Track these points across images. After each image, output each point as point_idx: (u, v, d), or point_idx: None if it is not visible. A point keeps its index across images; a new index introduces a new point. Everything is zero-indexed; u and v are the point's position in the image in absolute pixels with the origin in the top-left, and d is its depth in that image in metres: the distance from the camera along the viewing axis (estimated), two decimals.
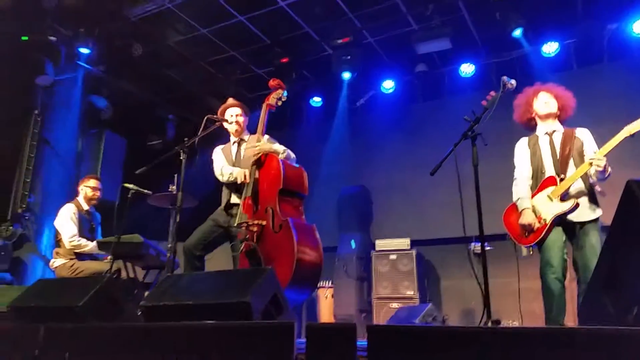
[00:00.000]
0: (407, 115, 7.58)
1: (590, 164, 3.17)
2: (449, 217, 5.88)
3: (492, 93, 3.23)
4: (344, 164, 7.63)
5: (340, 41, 6.58)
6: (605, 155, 3.17)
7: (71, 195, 5.58)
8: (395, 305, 6.03)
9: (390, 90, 7.54)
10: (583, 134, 3.46)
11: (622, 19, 6.05)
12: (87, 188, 4.95)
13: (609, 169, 3.23)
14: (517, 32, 5.96)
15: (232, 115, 3.94)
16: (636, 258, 1.78)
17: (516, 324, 5.23)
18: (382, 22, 6.42)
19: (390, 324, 4.68)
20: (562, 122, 3.57)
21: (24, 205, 5.94)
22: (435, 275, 6.84)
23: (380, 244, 6.54)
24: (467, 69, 6.96)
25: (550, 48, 6.43)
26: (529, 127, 3.67)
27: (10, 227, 5.77)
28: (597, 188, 4.78)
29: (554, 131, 3.50)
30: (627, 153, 5.57)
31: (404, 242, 6.40)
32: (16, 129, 6.26)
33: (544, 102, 3.51)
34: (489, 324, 2.49)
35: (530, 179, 3.51)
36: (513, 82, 3.23)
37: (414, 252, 6.27)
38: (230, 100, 4.04)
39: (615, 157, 3.35)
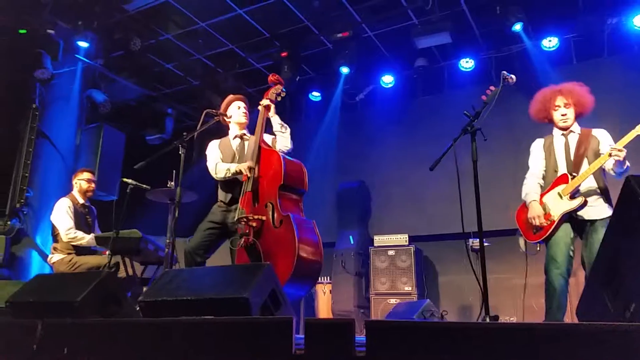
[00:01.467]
0: (406, 110, 7.57)
1: (610, 154, 3.17)
2: (448, 213, 5.88)
3: (492, 88, 3.22)
4: (343, 159, 7.63)
5: (339, 35, 6.55)
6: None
7: (69, 190, 5.57)
8: (393, 301, 6.03)
9: (390, 85, 7.52)
10: (600, 135, 3.46)
11: (623, 12, 6.03)
12: (82, 181, 4.93)
13: (627, 163, 3.22)
14: (517, 27, 5.93)
15: (240, 107, 3.86)
16: (634, 254, 1.78)
17: (514, 319, 5.24)
18: (382, 16, 6.39)
19: (388, 320, 4.68)
20: (578, 119, 3.56)
21: (22, 200, 5.92)
22: (433, 271, 6.85)
23: (379, 239, 6.54)
24: (466, 64, 6.94)
25: (550, 43, 6.42)
26: (539, 121, 3.68)
27: (9, 222, 5.76)
28: None
29: (570, 132, 3.51)
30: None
31: (402, 238, 6.40)
32: (15, 123, 6.23)
33: (561, 114, 3.48)
34: (487, 320, 2.49)
35: (541, 178, 3.54)
36: (513, 77, 3.21)
37: (412, 248, 6.27)
38: (234, 95, 3.98)
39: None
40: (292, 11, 6.28)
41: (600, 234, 3.17)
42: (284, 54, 6.89)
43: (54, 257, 4.64)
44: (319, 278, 6.64)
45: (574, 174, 3.35)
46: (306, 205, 3.66)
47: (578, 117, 3.53)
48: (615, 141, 3.32)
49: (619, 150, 3.13)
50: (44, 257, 5.71)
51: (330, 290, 6.58)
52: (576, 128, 3.52)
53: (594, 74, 6.18)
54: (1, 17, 5.76)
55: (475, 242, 4.80)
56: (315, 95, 8.09)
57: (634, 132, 3.16)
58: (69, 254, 4.61)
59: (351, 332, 1.87)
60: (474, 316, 6.10)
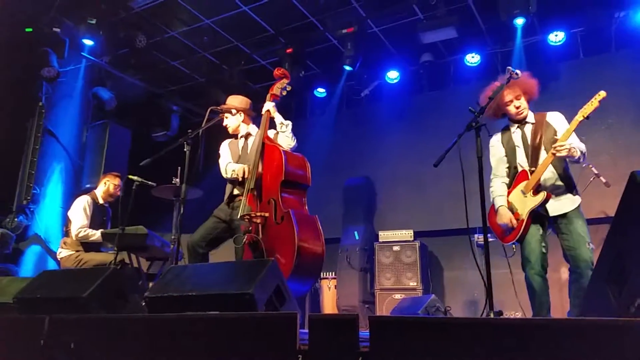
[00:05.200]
0: (411, 106, 7.55)
1: (553, 154, 3.12)
2: (453, 208, 5.87)
3: (497, 83, 3.21)
4: (349, 155, 7.62)
5: (344, 31, 6.53)
6: (567, 141, 3.10)
7: (76, 187, 5.63)
8: (398, 296, 6.04)
9: (395, 81, 7.50)
10: (554, 119, 3.37)
11: (630, 6, 5.97)
12: (112, 184, 5.04)
13: (578, 153, 3.13)
14: (519, 21, 5.85)
15: (225, 117, 3.91)
16: None
17: (519, 315, 5.23)
18: (387, 11, 6.37)
19: (392, 315, 4.69)
20: (529, 105, 3.45)
21: (29, 197, 5.97)
22: (438, 267, 6.84)
23: (384, 235, 6.54)
24: (472, 59, 6.91)
25: (556, 37, 6.37)
26: (498, 118, 3.57)
27: (15, 219, 5.81)
28: (602, 179, 4.76)
29: (525, 123, 3.43)
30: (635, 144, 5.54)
31: (407, 234, 6.39)
32: (22, 121, 6.28)
33: (516, 107, 3.38)
34: (491, 315, 2.48)
35: (505, 177, 3.48)
36: (518, 72, 3.19)
37: (417, 243, 6.26)
38: (228, 100, 3.98)
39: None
40: (296, 7, 6.27)
41: (575, 223, 3.15)
42: (289, 51, 6.88)
43: (62, 253, 4.68)
44: (324, 273, 6.66)
45: (533, 168, 3.29)
46: (311, 200, 3.66)
47: (528, 102, 3.42)
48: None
49: (560, 147, 3.08)
50: (51, 253, 5.76)
51: (335, 286, 6.59)
52: (530, 117, 3.43)
53: (601, 69, 6.14)
54: (8, 15, 5.79)
55: (480, 238, 4.79)
56: (320, 92, 8.08)
57: (573, 123, 3.12)
58: (77, 250, 4.65)
59: (355, 328, 1.88)
60: (479, 311, 6.09)
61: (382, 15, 6.49)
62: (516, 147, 3.41)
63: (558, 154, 3.10)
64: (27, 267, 5.73)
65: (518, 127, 3.44)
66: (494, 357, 1.63)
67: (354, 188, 7.27)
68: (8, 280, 3.48)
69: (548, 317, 3.14)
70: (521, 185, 3.32)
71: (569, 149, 3.08)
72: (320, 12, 6.45)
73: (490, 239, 2.88)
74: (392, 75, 7.47)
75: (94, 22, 6.03)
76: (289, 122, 3.74)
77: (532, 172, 3.28)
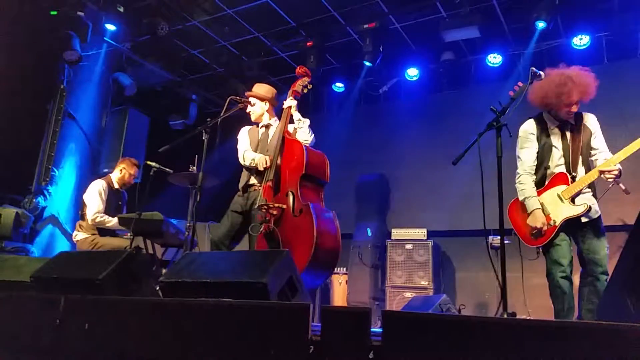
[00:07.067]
0: (430, 104, 7.50)
1: (602, 172, 3.11)
2: (468, 209, 5.84)
3: (520, 84, 3.17)
4: (364, 151, 7.60)
5: (366, 26, 6.50)
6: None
7: (92, 171, 5.68)
8: (408, 294, 6.03)
9: (415, 78, 7.45)
10: (591, 123, 3.31)
11: None
12: (127, 173, 5.05)
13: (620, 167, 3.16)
14: (541, 24, 5.75)
15: (251, 104, 3.93)
16: None
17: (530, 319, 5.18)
18: (409, 8, 6.32)
19: (406, 311, 4.68)
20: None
21: (48, 179, 6.05)
22: (450, 267, 6.81)
23: (397, 233, 6.53)
24: (494, 60, 6.84)
25: (581, 41, 6.29)
26: (538, 107, 3.39)
27: (34, 200, 5.89)
28: (621, 186, 4.70)
29: (566, 121, 3.31)
30: None
31: (420, 232, 6.37)
32: (43, 103, 6.35)
33: (572, 110, 3.23)
34: (505, 316, 2.47)
35: (533, 174, 3.35)
36: (542, 73, 3.16)
37: (430, 242, 6.25)
38: (254, 88, 4.00)
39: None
40: (318, 0, 6.25)
41: (597, 231, 3.16)
42: (309, 44, 6.86)
43: (78, 235, 4.73)
44: (336, 268, 6.66)
45: (574, 173, 3.23)
46: (326, 195, 3.69)
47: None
48: (628, 140, 3.17)
49: (611, 170, 3.08)
50: (67, 235, 5.83)
51: (346, 281, 6.60)
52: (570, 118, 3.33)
53: (626, 74, 6.05)
54: None
55: (495, 240, 4.75)
56: (339, 86, 8.06)
57: (634, 145, 3.05)
58: (92, 234, 4.70)
59: (367, 321, 1.88)
60: (490, 313, 6.06)
61: (405, 12, 6.44)
62: (553, 148, 3.29)
63: (608, 179, 3.11)
64: (38, 247, 5.81)
65: (557, 126, 3.32)
66: (508, 357, 1.62)
67: (368, 184, 7.26)
68: (26, 260, 3.53)
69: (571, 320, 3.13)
70: (558, 189, 3.23)
71: (619, 170, 3.10)
72: (342, 6, 6.42)
73: (506, 242, 2.86)
74: (412, 73, 7.42)
75: (122, 9, 6.06)
76: (307, 120, 3.77)
77: (572, 179, 3.22)
